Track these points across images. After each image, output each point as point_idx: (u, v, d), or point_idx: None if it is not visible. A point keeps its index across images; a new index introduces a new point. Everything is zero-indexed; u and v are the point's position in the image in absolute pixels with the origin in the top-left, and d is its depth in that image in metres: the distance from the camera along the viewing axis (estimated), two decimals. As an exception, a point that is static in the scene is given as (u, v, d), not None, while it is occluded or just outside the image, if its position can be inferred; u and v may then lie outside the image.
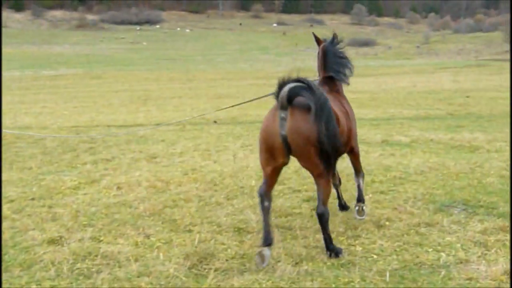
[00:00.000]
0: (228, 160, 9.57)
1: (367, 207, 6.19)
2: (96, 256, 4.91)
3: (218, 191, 7.32)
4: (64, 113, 19.57)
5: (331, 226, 5.08)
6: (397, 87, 30.66)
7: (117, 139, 11.99)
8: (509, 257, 4.74)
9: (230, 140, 11.89)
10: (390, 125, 14.06)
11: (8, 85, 35.20)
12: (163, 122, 14.42)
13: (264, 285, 4.31)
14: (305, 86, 4.56)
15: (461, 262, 4.67)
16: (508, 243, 5.06)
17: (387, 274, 4.43)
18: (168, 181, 7.84)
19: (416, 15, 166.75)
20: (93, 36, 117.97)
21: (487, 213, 6.03)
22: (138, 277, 4.48)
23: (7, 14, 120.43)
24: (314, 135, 4.52)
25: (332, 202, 6.51)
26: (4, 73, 39.00)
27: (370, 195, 6.92)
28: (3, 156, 9.74)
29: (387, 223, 5.77)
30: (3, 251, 5.04)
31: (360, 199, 6.05)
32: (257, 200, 6.62)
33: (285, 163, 4.88)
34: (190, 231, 5.68)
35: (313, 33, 6.45)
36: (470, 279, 4.33)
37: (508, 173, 7.93)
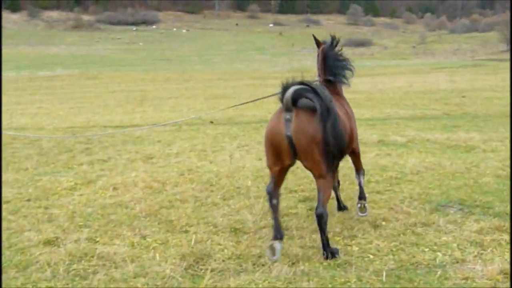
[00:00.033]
0: (224, 160, 9.56)
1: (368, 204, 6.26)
2: (92, 257, 4.90)
3: (215, 191, 7.32)
4: (60, 114, 19.54)
5: (327, 226, 5.08)
6: (393, 87, 30.70)
7: (113, 139, 11.97)
8: (505, 256, 4.75)
9: (226, 140, 11.87)
10: (386, 125, 14.08)
11: (4, 86, 35.10)
12: (172, 120, 14.41)
13: (260, 286, 4.31)
14: (309, 88, 4.66)
15: (457, 262, 4.67)
16: (503, 243, 5.07)
17: (384, 274, 4.43)
18: (164, 182, 7.83)
19: (412, 15, 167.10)
20: (89, 37, 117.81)
21: (483, 213, 6.04)
22: (134, 278, 4.48)
23: (3, 14, 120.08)
24: (319, 135, 4.60)
25: (330, 203, 6.51)
26: (0, 74, 38.88)
27: (367, 195, 6.91)
28: (-1, 157, 9.71)
29: (383, 223, 5.78)
30: (-1, 252, 5.03)
31: (361, 197, 6.10)
32: (253, 200, 6.68)
33: (292, 164, 4.98)
34: (186, 231, 5.68)
35: (313, 35, 6.50)
36: (466, 278, 4.34)
37: (504, 173, 7.95)
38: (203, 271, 4.60)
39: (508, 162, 8.65)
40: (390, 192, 7.09)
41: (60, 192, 7.37)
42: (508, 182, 7.38)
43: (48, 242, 5.31)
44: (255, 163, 9.20)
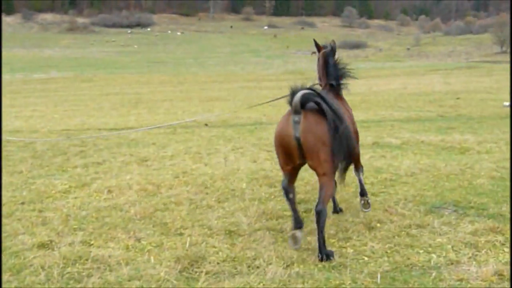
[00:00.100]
0: (219, 163, 9.55)
1: (370, 200, 6.38)
2: (87, 260, 4.87)
3: (209, 194, 7.31)
4: (54, 117, 19.52)
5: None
6: (388, 89, 30.79)
7: (108, 142, 11.95)
8: (499, 258, 4.76)
9: (221, 143, 11.87)
10: (381, 127, 14.10)
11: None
12: (181, 120, 14.39)
13: (255, 288, 4.31)
14: (315, 93, 4.96)
15: (452, 263, 4.68)
16: (498, 244, 5.08)
17: (378, 276, 4.43)
18: (159, 184, 7.81)
19: (407, 17, 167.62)
20: (84, 39, 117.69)
21: (478, 214, 6.05)
22: (129, 280, 4.46)
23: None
24: (325, 136, 4.85)
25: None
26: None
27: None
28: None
29: (378, 225, 5.78)
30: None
31: (363, 193, 6.28)
32: (248, 203, 6.68)
33: (303, 164, 5.18)
34: (181, 234, 5.66)
35: (314, 39, 6.62)
36: (461, 280, 4.34)
37: (499, 174, 7.96)
38: (197, 273, 4.59)
39: (503, 164, 8.68)
40: (384, 194, 7.10)
41: (55, 195, 7.34)
42: (503, 184, 7.40)
43: (42, 245, 5.28)
44: (250, 165, 9.20)
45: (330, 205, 6.39)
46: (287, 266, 4.69)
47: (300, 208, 6.51)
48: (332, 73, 6.16)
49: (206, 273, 4.57)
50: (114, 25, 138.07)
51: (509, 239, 5.19)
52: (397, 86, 33.01)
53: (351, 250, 5.07)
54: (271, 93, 28.08)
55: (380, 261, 4.79)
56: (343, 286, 4.31)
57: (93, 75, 55.41)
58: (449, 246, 5.07)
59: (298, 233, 5.10)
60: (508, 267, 4.48)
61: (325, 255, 4.82)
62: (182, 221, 6.06)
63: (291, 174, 5.24)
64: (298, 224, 5.15)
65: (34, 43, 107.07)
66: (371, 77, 44.12)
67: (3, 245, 5.34)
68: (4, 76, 49.14)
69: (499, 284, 4.27)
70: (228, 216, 6.24)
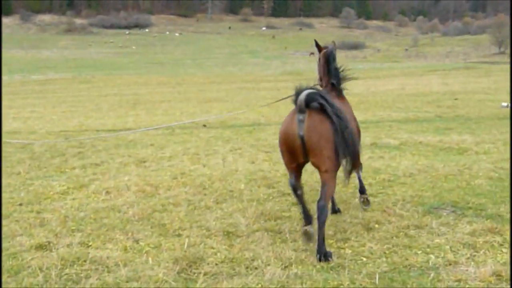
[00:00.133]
0: (217, 164, 9.55)
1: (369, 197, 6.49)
2: (85, 261, 4.87)
3: (207, 195, 7.30)
4: (52, 118, 19.51)
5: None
6: (386, 90, 30.81)
7: (106, 143, 11.94)
8: (497, 258, 4.76)
9: (219, 144, 11.86)
10: (379, 127, 14.11)
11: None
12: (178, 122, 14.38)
13: (253, 289, 4.30)
14: (318, 93, 5.07)
15: (450, 264, 4.68)
16: (496, 245, 5.08)
17: (377, 277, 4.42)
18: (157, 186, 7.81)
19: (405, 18, 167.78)
20: (82, 40, 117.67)
21: (476, 215, 6.05)
22: (127, 282, 4.45)
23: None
24: (330, 133, 4.93)
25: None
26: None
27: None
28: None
29: (376, 225, 5.78)
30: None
31: (362, 191, 6.44)
32: (246, 204, 6.68)
33: (306, 162, 5.25)
34: (179, 235, 5.66)
35: (315, 40, 6.71)
36: (459, 280, 4.34)
37: (497, 175, 7.97)
38: (196, 274, 4.58)
39: (501, 164, 8.68)
40: (383, 195, 7.10)
41: (53, 197, 7.33)
42: (501, 184, 7.40)
43: (40, 247, 5.27)
44: (248, 166, 9.20)
45: (328, 206, 6.39)
46: (286, 267, 4.69)
47: (298, 209, 6.50)
48: (333, 73, 6.27)
49: (205, 274, 4.57)
50: (112, 26, 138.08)
51: (507, 239, 5.19)
52: (395, 87, 33.04)
53: (350, 251, 5.07)
54: (269, 94, 28.09)
55: (379, 261, 4.78)
56: (342, 287, 4.30)
57: (91, 76, 55.42)
58: (447, 247, 5.06)
59: (309, 228, 5.16)
60: (506, 267, 4.48)
61: (323, 254, 4.82)
62: (180, 222, 6.05)
63: (296, 172, 5.33)
64: (308, 219, 5.23)
65: (32, 44, 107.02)
66: (369, 78, 44.12)
67: (1, 246, 5.33)
68: (2, 77, 49.13)
69: (497, 284, 4.26)
70: (226, 217, 6.23)
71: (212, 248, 5.21)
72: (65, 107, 24.37)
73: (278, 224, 5.92)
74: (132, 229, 5.83)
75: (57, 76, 57.35)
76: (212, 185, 7.80)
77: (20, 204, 6.91)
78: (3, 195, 7.39)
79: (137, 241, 5.45)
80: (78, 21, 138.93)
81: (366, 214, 6.17)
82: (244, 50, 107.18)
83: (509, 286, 4.23)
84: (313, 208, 5.33)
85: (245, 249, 5.14)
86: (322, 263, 4.74)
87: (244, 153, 10.53)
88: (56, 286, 4.39)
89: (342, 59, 6.55)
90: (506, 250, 4.95)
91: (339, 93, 6.26)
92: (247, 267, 4.71)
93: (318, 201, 4.93)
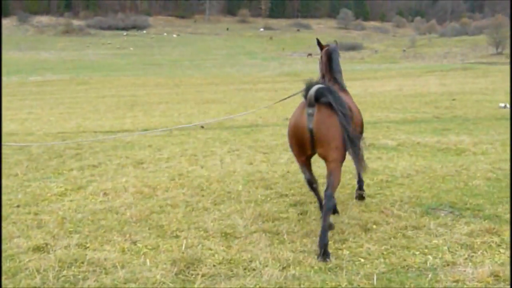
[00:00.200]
0: (215, 165, 9.54)
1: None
2: (82, 263, 4.86)
3: (205, 196, 7.29)
4: (50, 119, 19.48)
5: (318, 231, 5.10)
6: (383, 91, 30.83)
7: (103, 145, 11.93)
8: (495, 259, 4.77)
9: (217, 145, 11.85)
10: (377, 128, 14.11)
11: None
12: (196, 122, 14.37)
13: (251, 290, 4.30)
14: (327, 88, 5.26)
15: (448, 265, 4.68)
16: (494, 245, 5.08)
17: (375, 278, 4.43)
18: (155, 187, 7.80)
19: (402, 19, 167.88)
20: (80, 42, 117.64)
21: (474, 216, 6.05)
22: (125, 283, 4.44)
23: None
24: (338, 127, 5.12)
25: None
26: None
27: (358, 199, 6.94)
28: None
29: (374, 226, 5.78)
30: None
31: (360, 187, 6.92)
32: (244, 205, 6.68)
33: (314, 154, 5.49)
34: (177, 236, 5.65)
35: (317, 38, 7.00)
36: (457, 281, 4.34)
37: (494, 175, 7.97)
38: (194, 276, 4.58)
39: (498, 165, 8.69)
40: (380, 196, 7.10)
41: (50, 198, 7.32)
42: (498, 185, 7.41)
43: (37, 249, 5.26)
44: (246, 167, 9.19)
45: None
46: (283, 268, 4.69)
47: (296, 210, 6.52)
48: (336, 68, 6.53)
49: (202, 275, 4.56)
50: (109, 28, 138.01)
51: (505, 240, 5.20)
52: (393, 88, 33.06)
53: (347, 252, 5.07)
54: (267, 95, 28.10)
55: (376, 262, 4.79)
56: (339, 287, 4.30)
57: (89, 78, 55.38)
58: (445, 248, 5.07)
59: (330, 219, 5.35)
60: (504, 268, 4.49)
61: (325, 244, 4.90)
62: (178, 224, 6.05)
63: (307, 165, 5.63)
64: None
65: (30, 46, 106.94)
66: (367, 79, 44.18)
67: (-2, 248, 5.33)
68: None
69: (495, 285, 4.27)
70: (224, 218, 6.22)
71: (210, 249, 5.21)
72: (62, 109, 24.36)
73: (276, 225, 5.91)
74: (129, 230, 5.82)
75: (54, 77, 57.29)
76: (210, 187, 7.79)
77: (18, 206, 6.90)
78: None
79: (134, 243, 5.44)
80: (76, 22, 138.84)
81: (364, 215, 6.17)
82: (242, 51, 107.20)
83: (507, 287, 4.23)
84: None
85: (243, 250, 5.13)
86: (320, 264, 4.73)
87: (242, 155, 10.52)
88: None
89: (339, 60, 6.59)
90: (504, 250, 4.96)
91: (341, 87, 6.43)
92: (245, 269, 4.71)
93: (326, 190, 5.12)
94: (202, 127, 15.33)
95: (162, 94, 34.02)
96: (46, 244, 5.36)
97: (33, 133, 15.13)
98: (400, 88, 32.09)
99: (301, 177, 7.74)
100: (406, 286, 4.29)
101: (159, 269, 4.70)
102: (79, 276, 4.59)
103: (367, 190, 7.28)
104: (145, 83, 47.83)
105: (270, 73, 61.17)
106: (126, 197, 7.26)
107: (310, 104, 5.21)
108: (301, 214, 6.33)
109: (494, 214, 6.04)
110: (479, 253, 4.92)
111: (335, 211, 6.41)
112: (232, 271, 4.67)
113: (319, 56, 6.82)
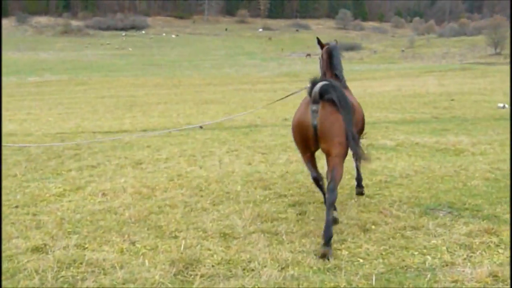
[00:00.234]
0: (214, 165, 9.54)
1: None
2: (81, 263, 4.85)
3: (204, 196, 7.29)
4: (49, 120, 19.46)
5: (317, 231, 5.10)
6: (382, 91, 30.82)
7: (102, 145, 11.92)
8: (494, 259, 4.77)
9: (215, 145, 11.85)
10: (376, 129, 14.11)
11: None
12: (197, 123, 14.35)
13: (250, 291, 4.30)
14: (331, 85, 5.36)
15: (446, 265, 4.68)
16: (492, 245, 5.09)
17: (373, 278, 4.43)
18: (154, 187, 7.80)
19: (401, 19, 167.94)
20: (78, 42, 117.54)
21: (472, 216, 6.06)
22: (124, 284, 4.44)
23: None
24: (341, 123, 5.22)
25: (320, 207, 6.53)
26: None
27: (356, 199, 6.95)
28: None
29: (373, 227, 5.78)
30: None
31: (359, 184, 7.18)
32: (242, 205, 6.68)
33: (317, 149, 5.60)
34: (175, 237, 5.65)
35: (317, 37, 7.10)
36: (455, 281, 4.34)
37: (493, 176, 7.98)
38: (192, 276, 4.58)
39: (497, 165, 8.70)
40: (379, 196, 7.10)
41: (49, 199, 7.31)
42: (497, 185, 7.42)
43: (36, 249, 5.25)
44: (245, 168, 9.19)
45: (324, 207, 6.39)
46: (282, 268, 4.69)
47: (295, 210, 6.52)
48: (336, 65, 6.65)
49: (201, 276, 4.56)
50: (108, 28, 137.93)
51: (503, 240, 5.20)
52: (392, 88, 33.05)
53: (346, 252, 5.07)
54: (266, 96, 28.09)
55: (375, 263, 4.79)
56: (338, 288, 4.30)
57: (88, 78, 55.35)
58: (444, 248, 5.07)
59: (335, 213, 5.67)
60: (503, 268, 4.49)
61: (329, 237, 4.98)
62: (176, 224, 6.05)
63: (312, 161, 5.75)
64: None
65: (29, 46, 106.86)
66: (366, 79, 44.19)
67: (-3, 249, 5.32)
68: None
69: (493, 285, 4.27)
70: (223, 219, 6.22)
71: (209, 250, 5.20)
72: (61, 109, 24.33)
73: (275, 225, 5.91)
74: (128, 231, 5.82)
75: (53, 78, 57.25)
76: (209, 187, 7.79)
77: (16, 206, 6.89)
78: (-1, 197, 7.37)
79: (133, 243, 5.44)
80: (75, 23, 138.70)
81: (362, 215, 6.18)
82: (241, 51, 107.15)
83: (506, 287, 4.23)
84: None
85: (242, 250, 5.13)
86: (318, 265, 4.74)
87: (240, 155, 10.52)
88: (52, 288, 4.38)
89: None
90: (503, 251, 4.96)
91: (343, 84, 6.50)
92: (243, 269, 4.71)
93: (328, 184, 5.20)
94: (201, 127, 15.33)
95: (161, 94, 34.00)
96: (45, 245, 5.36)
97: (32, 133, 15.11)
98: (398, 89, 32.09)
99: (300, 177, 7.79)
100: (405, 287, 4.29)
101: (158, 269, 4.70)
102: (78, 277, 4.58)
103: (366, 191, 7.30)
104: (144, 83, 47.81)
105: (269, 74, 61.15)
106: (125, 197, 7.25)
107: (314, 101, 5.31)
108: (299, 214, 6.33)
109: (493, 214, 6.05)
110: (477, 253, 4.92)
111: (334, 207, 6.43)
112: (230, 271, 4.67)
113: (318, 56, 6.86)
